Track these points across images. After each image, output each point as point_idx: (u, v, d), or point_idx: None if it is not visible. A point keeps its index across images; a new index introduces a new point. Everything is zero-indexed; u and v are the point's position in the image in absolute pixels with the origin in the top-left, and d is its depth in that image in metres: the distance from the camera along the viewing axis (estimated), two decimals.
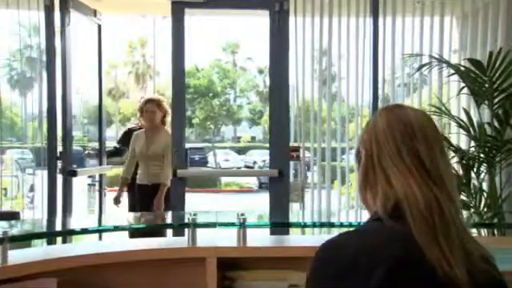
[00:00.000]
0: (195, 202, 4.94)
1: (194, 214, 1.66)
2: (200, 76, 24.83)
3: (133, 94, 27.14)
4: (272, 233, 3.24)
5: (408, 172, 1.04)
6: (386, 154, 1.07)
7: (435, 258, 0.96)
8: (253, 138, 28.46)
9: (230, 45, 27.46)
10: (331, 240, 1.04)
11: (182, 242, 1.66)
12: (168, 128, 4.57)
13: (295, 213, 4.06)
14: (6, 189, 5.29)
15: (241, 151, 25.52)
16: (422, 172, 1.04)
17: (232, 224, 1.65)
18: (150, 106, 4.64)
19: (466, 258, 0.99)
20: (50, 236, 1.73)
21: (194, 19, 4.90)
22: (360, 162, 1.15)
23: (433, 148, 1.07)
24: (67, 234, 1.81)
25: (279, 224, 1.93)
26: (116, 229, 1.67)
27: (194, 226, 1.63)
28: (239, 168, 20.92)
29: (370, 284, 0.93)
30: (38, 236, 1.59)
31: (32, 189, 4.91)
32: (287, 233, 3.34)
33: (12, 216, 3.75)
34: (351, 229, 1.11)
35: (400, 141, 1.07)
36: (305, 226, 1.99)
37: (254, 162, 22.28)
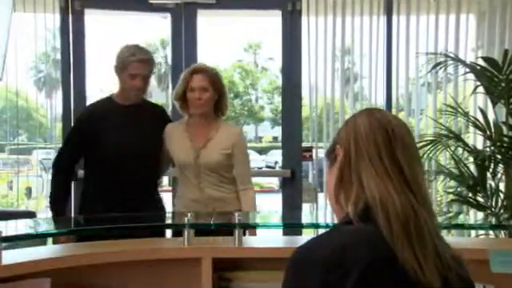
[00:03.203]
0: None
1: (191, 215, 1.66)
2: (222, 76, 24.92)
3: (155, 94, 27.42)
4: (285, 234, 3.24)
5: (386, 176, 1.04)
6: (365, 156, 1.07)
7: (409, 263, 0.97)
8: (275, 138, 28.42)
9: (252, 45, 27.50)
10: (305, 242, 1.04)
11: (178, 242, 1.66)
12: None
13: (307, 213, 4.05)
14: (29, 188, 5.42)
15: (262, 151, 25.52)
16: (400, 178, 1.05)
17: (227, 225, 1.65)
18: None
19: (439, 262, 1.00)
20: (42, 237, 1.76)
21: (214, 21, 4.88)
22: (334, 160, 1.13)
23: (411, 156, 1.09)
24: (57, 234, 1.84)
25: (276, 225, 1.92)
26: (106, 231, 1.68)
27: (190, 226, 1.64)
28: (260, 168, 20.91)
29: (345, 284, 0.93)
30: (31, 236, 1.61)
31: None
32: (300, 234, 3.33)
33: (28, 215, 3.83)
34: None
35: (381, 144, 1.07)
36: (305, 226, 1.97)
37: (276, 162, 22.23)
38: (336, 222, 1.16)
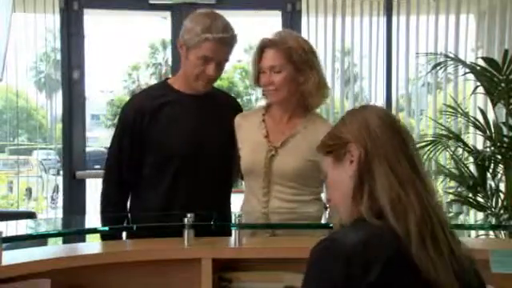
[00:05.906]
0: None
1: (190, 215, 1.66)
2: (222, 77, 24.94)
3: None
4: None
5: (406, 179, 1.05)
6: (382, 157, 1.06)
7: (423, 263, 0.99)
8: None
9: (252, 46, 27.51)
10: (330, 234, 1.08)
11: (178, 242, 1.66)
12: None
13: None
14: (29, 189, 5.44)
15: None
16: (416, 179, 1.05)
17: (228, 225, 1.65)
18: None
19: (454, 260, 1.02)
20: (42, 237, 1.76)
21: None
22: (343, 156, 1.11)
23: (419, 156, 1.11)
24: (57, 235, 1.84)
25: (276, 226, 1.92)
26: (110, 230, 1.68)
27: (190, 226, 1.64)
28: None
29: (366, 279, 0.95)
30: (32, 237, 1.62)
31: (55, 190, 5.02)
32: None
33: (28, 216, 3.82)
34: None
35: (397, 145, 1.07)
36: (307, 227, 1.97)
37: None
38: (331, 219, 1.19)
